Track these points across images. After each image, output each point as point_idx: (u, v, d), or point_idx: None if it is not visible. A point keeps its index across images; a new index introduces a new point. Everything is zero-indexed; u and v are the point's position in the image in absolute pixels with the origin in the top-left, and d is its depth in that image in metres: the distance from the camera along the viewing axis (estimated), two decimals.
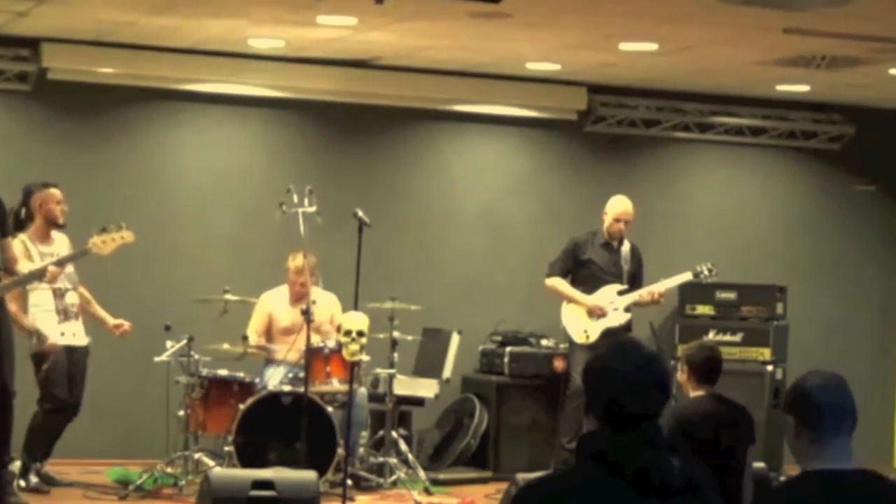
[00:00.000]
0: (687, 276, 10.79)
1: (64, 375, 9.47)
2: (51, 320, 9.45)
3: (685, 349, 7.12)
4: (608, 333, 10.39)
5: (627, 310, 10.59)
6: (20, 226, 9.41)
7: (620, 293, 10.60)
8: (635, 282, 10.71)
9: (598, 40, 10.39)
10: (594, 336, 10.49)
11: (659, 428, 3.41)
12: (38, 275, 8.91)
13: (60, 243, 9.59)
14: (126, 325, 9.80)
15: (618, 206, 10.70)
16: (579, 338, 10.57)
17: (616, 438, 3.38)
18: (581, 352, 10.50)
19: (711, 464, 6.47)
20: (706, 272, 10.81)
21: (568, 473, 3.47)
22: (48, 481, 9.67)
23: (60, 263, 9.19)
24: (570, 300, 10.64)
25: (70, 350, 9.53)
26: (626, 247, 10.74)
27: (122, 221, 9.28)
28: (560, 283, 10.72)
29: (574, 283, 10.71)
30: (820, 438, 3.69)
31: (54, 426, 9.57)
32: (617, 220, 10.64)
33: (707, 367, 6.82)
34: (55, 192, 9.60)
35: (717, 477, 6.40)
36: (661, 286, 10.66)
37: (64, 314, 9.51)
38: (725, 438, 6.65)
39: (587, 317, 10.57)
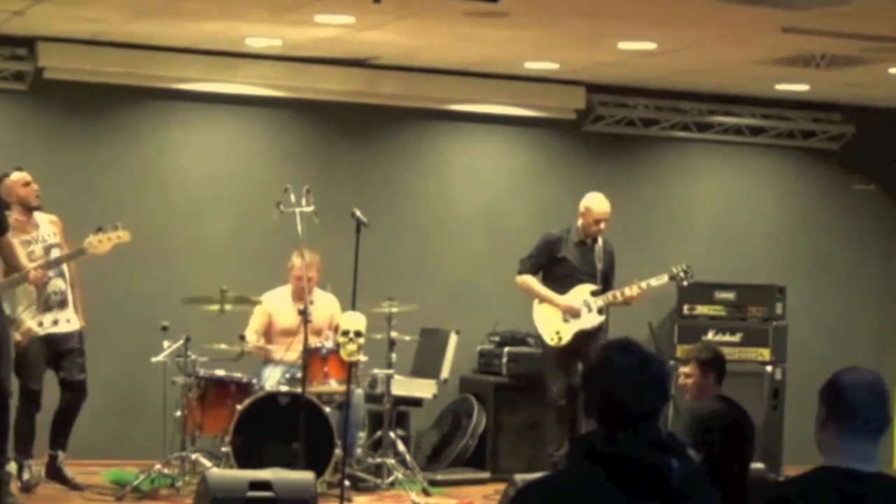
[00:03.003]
0: (663, 279, 10.40)
1: (38, 367, 9.39)
2: (29, 312, 9.39)
3: (700, 350, 7.09)
4: (581, 336, 10.13)
5: (601, 311, 10.25)
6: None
7: (594, 294, 10.28)
8: (606, 280, 10.37)
9: (597, 39, 10.36)
10: (567, 338, 10.20)
11: (658, 428, 3.40)
12: (20, 280, 8.81)
13: (44, 227, 9.48)
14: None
15: (598, 206, 10.32)
16: (551, 339, 10.27)
17: (614, 438, 3.35)
18: (552, 355, 10.28)
19: (727, 465, 6.59)
20: (682, 274, 10.44)
21: (565, 474, 3.46)
22: (61, 478, 9.62)
23: (48, 266, 9.15)
24: (543, 300, 10.36)
25: (51, 339, 9.45)
26: (599, 245, 10.39)
27: (118, 221, 9.26)
28: (532, 282, 10.42)
29: (546, 282, 10.41)
30: (846, 435, 3.63)
31: (30, 418, 9.41)
32: (597, 222, 10.29)
33: (724, 369, 6.88)
34: (17, 175, 9.49)
35: (729, 479, 6.50)
36: (636, 288, 10.24)
37: (45, 304, 9.43)
38: (739, 441, 6.69)
39: (559, 318, 10.27)
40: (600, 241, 10.41)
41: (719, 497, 3.51)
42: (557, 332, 10.26)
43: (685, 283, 10.61)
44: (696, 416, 6.71)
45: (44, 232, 9.49)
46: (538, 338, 10.58)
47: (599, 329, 10.23)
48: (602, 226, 10.33)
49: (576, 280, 10.31)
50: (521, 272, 10.46)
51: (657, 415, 3.42)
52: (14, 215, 9.26)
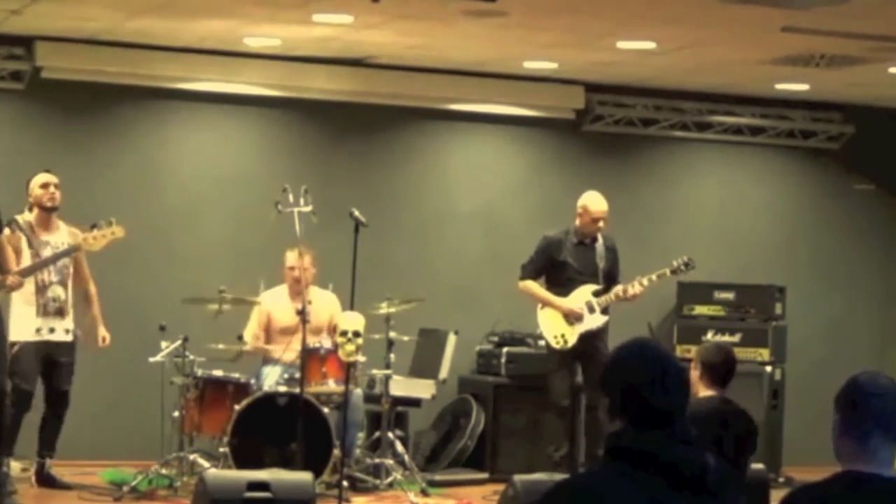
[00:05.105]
0: (664, 272, 10.34)
1: (32, 369, 9.37)
2: (28, 313, 9.36)
3: (701, 349, 7.06)
4: (586, 337, 10.10)
5: (605, 311, 10.21)
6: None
7: (596, 294, 10.22)
8: (611, 278, 10.32)
9: (596, 39, 10.35)
10: (572, 341, 10.14)
11: (688, 426, 3.40)
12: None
13: (63, 233, 9.51)
14: (107, 341, 9.79)
15: (596, 205, 10.25)
16: (556, 343, 10.19)
17: (649, 435, 3.34)
18: (558, 358, 10.22)
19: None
20: (683, 267, 10.41)
21: (600, 472, 3.43)
22: (51, 482, 9.62)
23: (35, 269, 9.14)
24: (546, 304, 10.28)
25: (44, 345, 9.44)
26: (599, 242, 10.32)
27: (112, 217, 9.25)
28: (534, 287, 10.34)
29: (548, 284, 10.34)
30: (866, 440, 3.59)
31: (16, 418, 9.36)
32: (595, 221, 10.23)
33: (723, 370, 6.80)
34: (42, 176, 9.55)
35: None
36: (638, 285, 10.19)
37: (43, 309, 9.43)
38: (729, 442, 6.62)
39: (563, 321, 10.21)
40: (601, 238, 10.35)
41: (744, 500, 3.51)
42: (562, 335, 10.20)
43: (686, 273, 10.56)
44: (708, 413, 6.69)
45: (59, 239, 9.48)
46: (542, 339, 10.52)
47: (604, 329, 10.20)
48: (601, 224, 10.27)
49: (577, 282, 10.26)
50: (522, 277, 10.40)
51: (684, 412, 3.42)
52: (35, 216, 9.46)
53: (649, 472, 3.29)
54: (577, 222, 10.34)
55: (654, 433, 3.34)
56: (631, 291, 10.19)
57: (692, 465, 3.32)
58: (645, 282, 10.24)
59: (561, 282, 10.29)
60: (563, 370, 10.24)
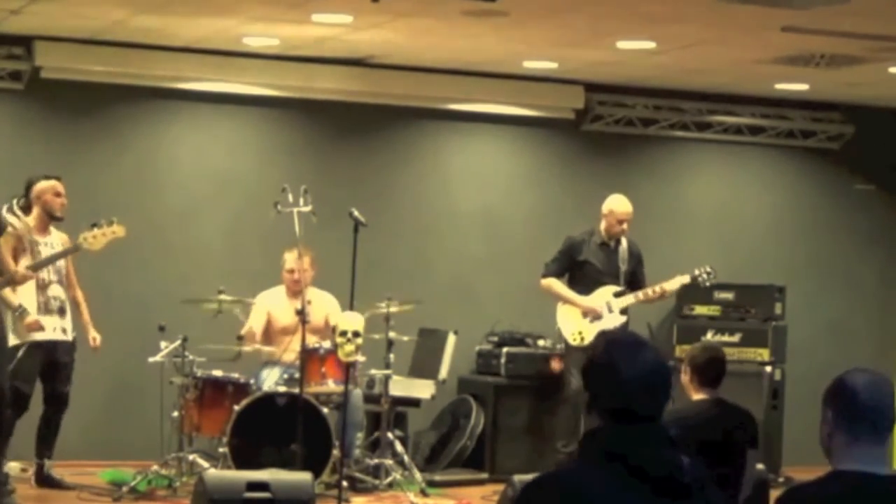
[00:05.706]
0: (685, 280, 10.52)
1: (32, 371, 9.35)
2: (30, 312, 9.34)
3: (689, 350, 7.01)
4: (603, 336, 10.22)
5: (623, 312, 10.40)
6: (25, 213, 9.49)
7: (617, 295, 10.41)
8: (635, 280, 10.50)
9: (596, 38, 10.34)
10: (589, 338, 10.32)
11: (664, 426, 3.38)
12: (7, 282, 8.78)
13: (55, 237, 9.53)
14: (98, 341, 9.76)
15: (621, 206, 10.47)
16: (573, 339, 10.41)
17: (624, 435, 3.33)
18: (576, 354, 10.36)
19: (711, 467, 6.46)
20: (705, 276, 10.56)
21: (573, 471, 3.41)
22: (51, 483, 9.62)
23: (37, 267, 9.16)
24: (566, 301, 10.49)
25: (47, 345, 9.42)
26: (623, 245, 10.53)
27: (112, 216, 9.24)
28: (555, 284, 10.54)
29: (571, 284, 10.54)
30: (858, 438, 3.58)
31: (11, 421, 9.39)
32: (620, 222, 10.44)
33: (711, 370, 6.69)
34: (54, 183, 9.55)
35: (717, 481, 6.38)
36: (658, 289, 10.42)
37: (45, 307, 9.42)
38: (726, 442, 6.57)
39: (582, 318, 10.41)
40: (624, 242, 10.54)
41: (723, 496, 3.49)
42: (580, 333, 10.38)
43: (707, 283, 10.68)
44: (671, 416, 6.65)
45: (54, 241, 9.50)
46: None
47: (621, 329, 10.25)
48: (625, 226, 10.48)
49: (598, 282, 10.44)
50: (545, 275, 10.57)
51: (661, 413, 3.40)
52: (34, 215, 9.45)
53: (629, 471, 3.27)
54: (603, 224, 10.53)
55: (634, 433, 3.32)
56: (650, 295, 10.41)
57: (665, 465, 3.30)
58: (667, 286, 10.43)
59: (583, 282, 10.48)
60: (579, 367, 10.30)
